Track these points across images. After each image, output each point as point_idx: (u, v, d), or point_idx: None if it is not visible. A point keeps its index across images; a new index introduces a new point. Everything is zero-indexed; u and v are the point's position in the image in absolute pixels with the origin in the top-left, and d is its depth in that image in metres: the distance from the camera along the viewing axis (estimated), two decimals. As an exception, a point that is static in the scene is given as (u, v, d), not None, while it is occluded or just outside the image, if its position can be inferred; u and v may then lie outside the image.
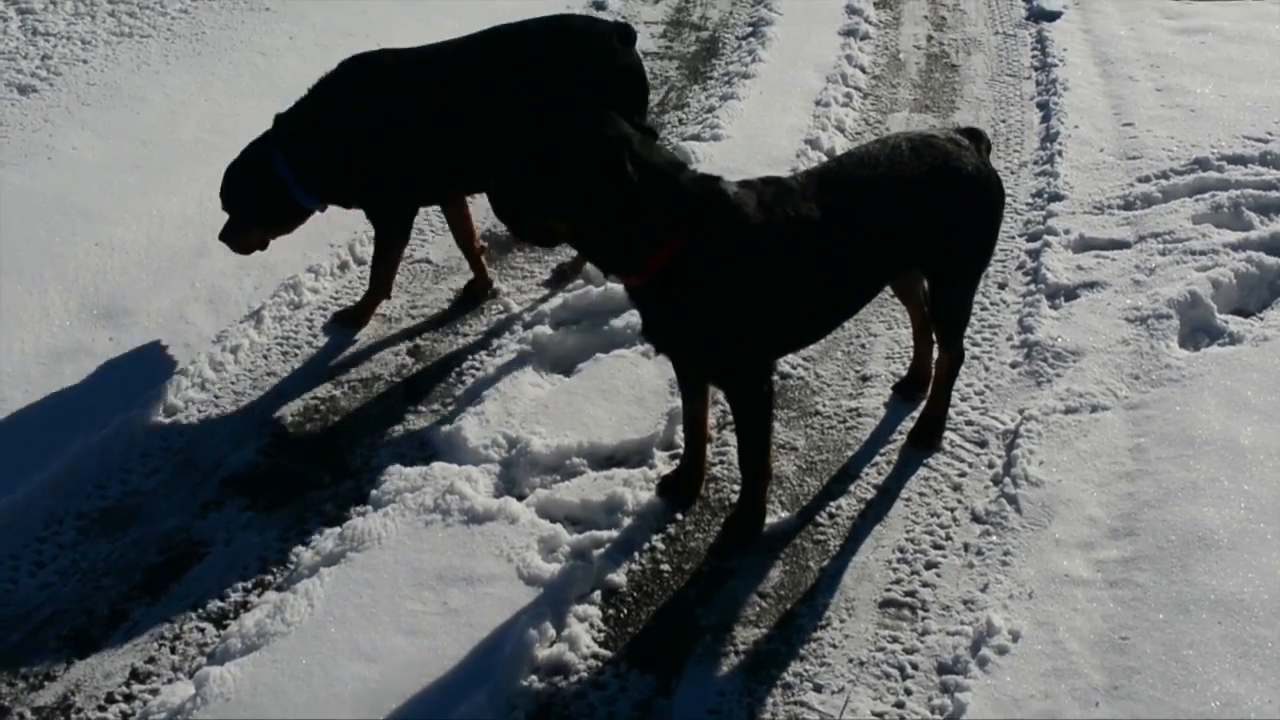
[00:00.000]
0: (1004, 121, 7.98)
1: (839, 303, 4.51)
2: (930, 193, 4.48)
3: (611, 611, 4.19)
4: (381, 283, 5.84)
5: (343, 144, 5.48)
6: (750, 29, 9.64)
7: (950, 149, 4.57)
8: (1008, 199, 6.78)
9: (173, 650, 4.14)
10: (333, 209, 5.79)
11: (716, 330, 4.14)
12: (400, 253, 5.87)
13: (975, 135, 4.79)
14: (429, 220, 6.71)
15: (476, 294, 6.04)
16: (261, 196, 5.56)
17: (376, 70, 5.56)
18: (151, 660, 4.10)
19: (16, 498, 4.69)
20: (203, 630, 4.21)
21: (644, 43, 9.44)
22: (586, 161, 3.79)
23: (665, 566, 4.38)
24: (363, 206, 5.74)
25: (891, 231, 4.45)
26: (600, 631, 4.11)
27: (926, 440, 4.90)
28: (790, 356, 5.45)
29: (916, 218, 4.48)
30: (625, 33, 5.65)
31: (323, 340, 5.69)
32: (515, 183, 3.92)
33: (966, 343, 5.52)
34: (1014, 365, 5.38)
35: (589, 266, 6.09)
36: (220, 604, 4.31)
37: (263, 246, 5.76)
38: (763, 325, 4.19)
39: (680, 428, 4.96)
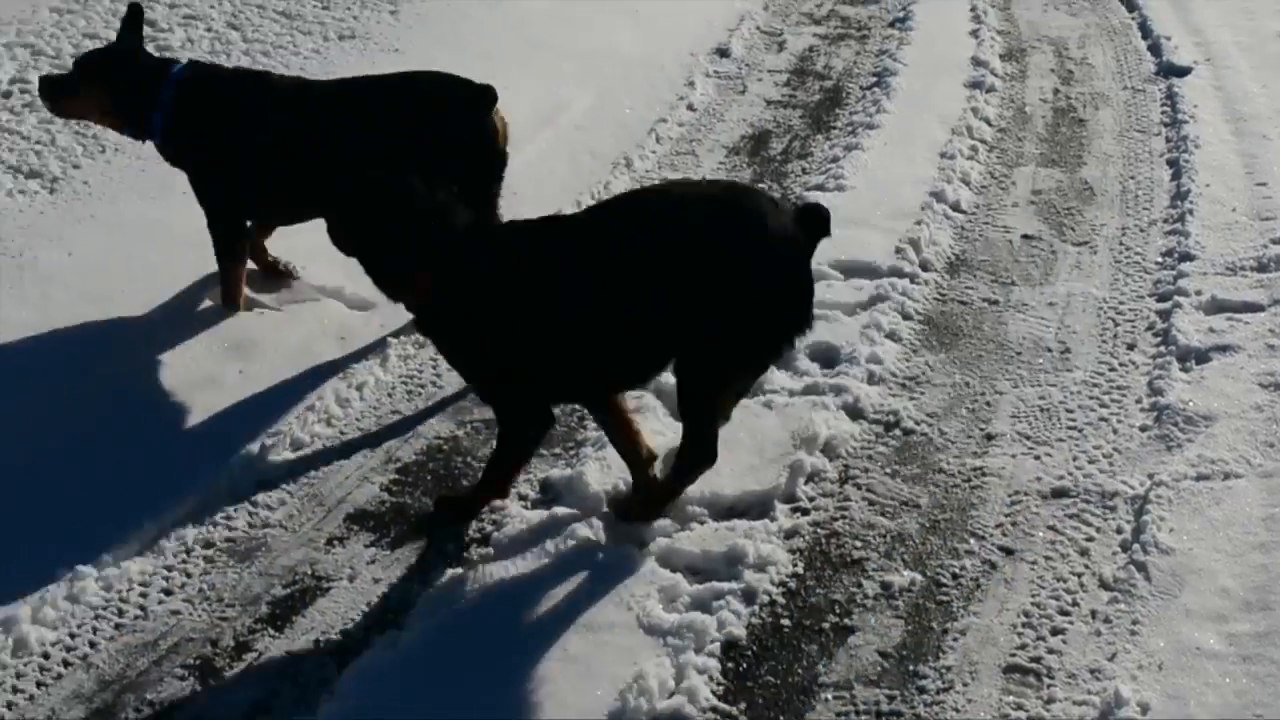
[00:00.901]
0: (1133, 178, 7.89)
1: (604, 351, 4.59)
2: (697, 251, 4.44)
3: (731, 665, 4.16)
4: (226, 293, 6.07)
5: (214, 137, 5.80)
6: (874, 79, 9.61)
7: (755, 204, 4.58)
8: (1135, 257, 6.72)
9: (295, 684, 4.17)
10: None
11: (463, 361, 4.75)
12: (234, 264, 6.02)
13: (815, 214, 4.60)
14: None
15: None
16: (131, 95, 5.80)
17: (262, 84, 5.98)
18: (274, 693, 4.13)
19: (147, 525, 4.79)
20: (324, 665, 4.24)
21: (767, 91, 9.49)
22: (343, 204, 4.66)
23: (786, 621, 4.35)
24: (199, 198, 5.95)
25: (655, 282, 4.45)
26: (719, 685, 4.08)
27: (624, 509, 4.78)
28: (913, 413, 5.42)
29: (681, 274, 4.44)
30: (484, 95, 5.79)
31: (446, 380, 5.74)
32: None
33: (1093, 402, 5.46)
34: (1143, 429, 5.29)
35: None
36: (342, 639, 4.34)
37: (78, 118, 6.18)
38: (506, 364, 4.58)
39: (802, 480, 4.96)
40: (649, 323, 4.50)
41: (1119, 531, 4.69)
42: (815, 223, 4.57)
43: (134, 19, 5.91)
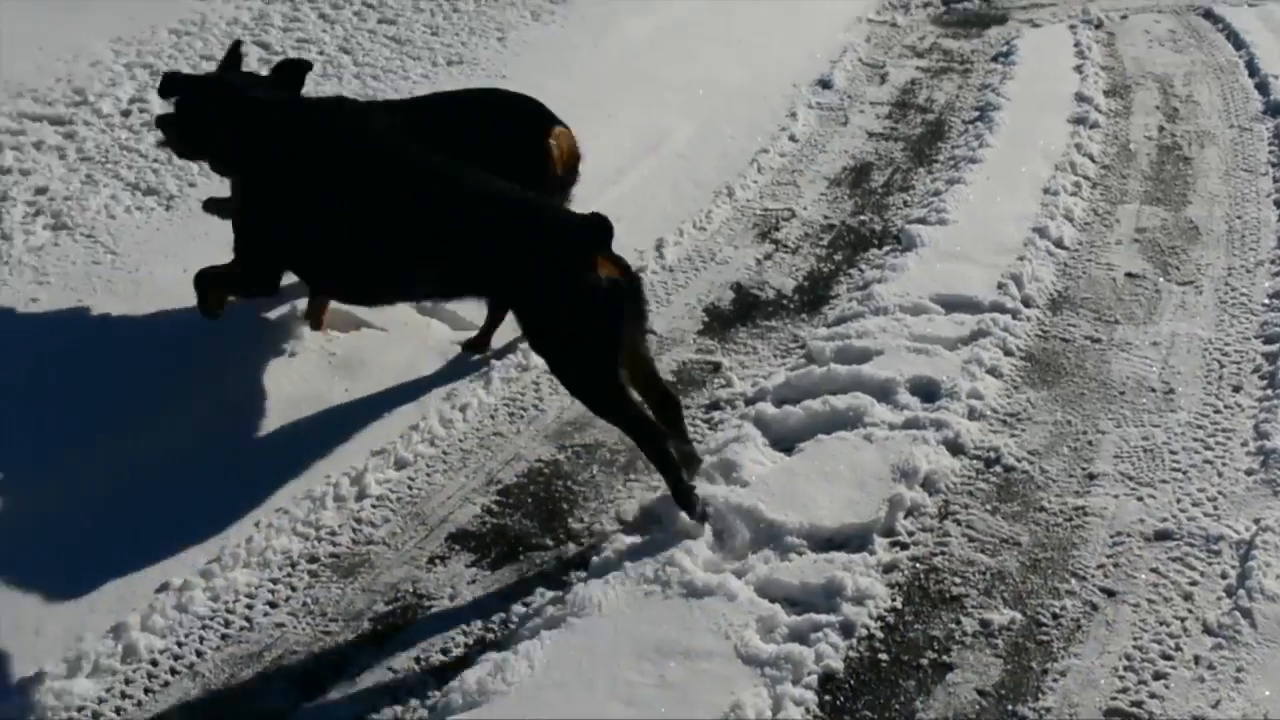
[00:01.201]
0: (1239, 218, 7.78)
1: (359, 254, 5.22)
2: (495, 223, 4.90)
3: (828, 698, 4.15)
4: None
5: None
6: (977, 113, 9.58)
7: (545, 206, 5.06)
8: (1241, 298, 6.63)
9: (395, 700, 4.23)
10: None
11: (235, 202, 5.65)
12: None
13: (596, 223, 4.77)
14: (653, 291, 6.80)
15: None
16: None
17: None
18: (374, 709, 4.19)
19: (254, 539, 4.89)
20: (425, 683, 4.29)
21: (869, 123, 9.50)
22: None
23: (883, 656, 4.34)
24: None
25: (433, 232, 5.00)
26: (816, 717, 4.08)
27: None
28: (1015, 450, 5.38)
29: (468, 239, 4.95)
30: (542, 118, 5.97)
31: (548, 404, 5.80)
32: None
33: (1197, 444, 5.40)
34: (1249, 473, 5.21)
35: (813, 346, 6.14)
36: (442, 658, 4.40)
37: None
38: (262, 223, 5.42)
39: (902, 514, 4.95)
40: (400, 257, 5.15)
41: (1224, 576, 4.62)
42: (596, 229, 4.76)
43: (232, 56, 5.94)
